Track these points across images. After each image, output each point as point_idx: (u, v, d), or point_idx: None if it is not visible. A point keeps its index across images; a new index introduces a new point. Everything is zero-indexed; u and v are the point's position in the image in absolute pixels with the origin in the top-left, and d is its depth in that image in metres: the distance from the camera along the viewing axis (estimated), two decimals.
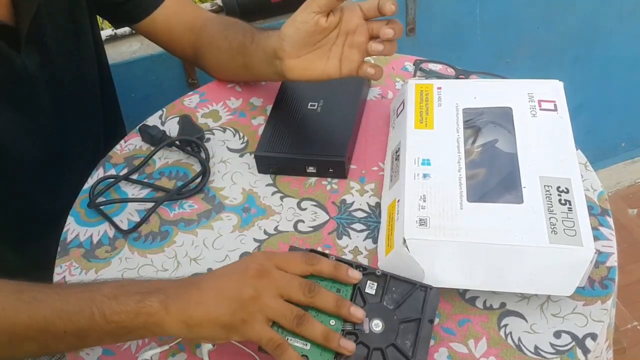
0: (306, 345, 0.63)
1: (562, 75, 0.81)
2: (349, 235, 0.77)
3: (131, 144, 0.92)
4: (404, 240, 0.67)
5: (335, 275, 0.64)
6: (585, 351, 0.65)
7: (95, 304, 0.60)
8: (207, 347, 0.68)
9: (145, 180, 0.86)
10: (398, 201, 0.72)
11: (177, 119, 0.94)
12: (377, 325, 0.64)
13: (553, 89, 0.79)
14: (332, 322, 0.64)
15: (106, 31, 1.21)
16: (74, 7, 0.88)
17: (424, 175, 0.72)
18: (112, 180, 0.85)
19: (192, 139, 0.87)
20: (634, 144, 1.85)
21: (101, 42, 0.99)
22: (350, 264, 0.67)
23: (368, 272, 0.67)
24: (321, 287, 0.63)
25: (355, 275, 0.65)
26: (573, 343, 0.66)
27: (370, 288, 0.66)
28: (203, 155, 0.87)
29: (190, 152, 0.88)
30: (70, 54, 0.89)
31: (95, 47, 0.95)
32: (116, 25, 1.04)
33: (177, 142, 0.88)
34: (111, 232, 0.81)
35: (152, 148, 0.88)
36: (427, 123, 0.77)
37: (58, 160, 0.91)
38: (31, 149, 0.87)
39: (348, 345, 0.61)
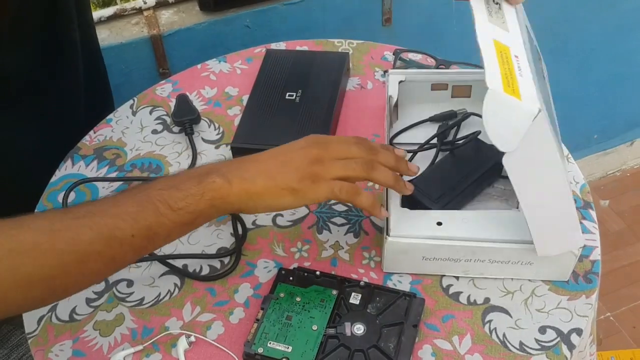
0: (288, 348, 0.63)
1: None
2: (329, 230, 0.75)
3: (101, 134, 0.88)
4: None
5: (397, 167, 0.67)
6: (571, 347, 0.64)
7: (156, 198, 0.58)
8: (183, 346, 0.65)
9: (115, 174, 0.83)
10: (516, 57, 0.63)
11: (150, 108, 0.91)
12: (358, 329, 0.64)
13: None
14: (314, 327, 0.65)
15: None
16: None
17: None
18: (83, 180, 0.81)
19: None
20: (606, 136, 1.86)
21: (93, 29, 0.95)
22: (344, 280, 0.68)
23: (352, 284, 0.68)
24: (379, 148, 0.67)
25: (414, 169, 0.69)
26: (558, 339, 0.65)
27: (355, 299, 0.67)
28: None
29: (187, 132, 0.86)
30: (50, 52, 0.84)
31: (82, 34, 0.90)
32: None
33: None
34: None
35: (123, 138, 0.85)
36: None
37: (41, 160, 0.87)
38: (13, 147, 0.82)
39: (413, 168, 0.69)
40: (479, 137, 0.76)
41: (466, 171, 0.74)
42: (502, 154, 0.57)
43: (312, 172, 0.62)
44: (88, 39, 0.92)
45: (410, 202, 0.69)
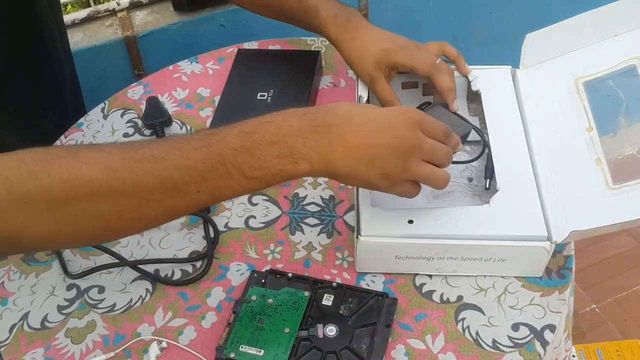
0: (260, 351, 0.63)
1: (515, 61, 0.80)
2: (302, 231, 0.75)
3: (72, 139, 0.87)
4: None
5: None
6: (544, 343, 0.64)
7: (229, 160, 0.55)
8: (154, 352, 0.65)
9: None
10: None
11: (121, 111, 0.90)
12: (331, 331, 0.64)
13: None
14: (287, 329, 0.64)
15: None
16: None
17: None
18: None
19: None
20: None
21: (64, 32, 0.94)
22: (317, 281, 0.68)
23: (325, 285, 0.68)
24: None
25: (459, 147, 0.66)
26: (531, 335, 0.65)
27: (327, 300, 0.67)
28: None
29: (159, 135, 0.85)
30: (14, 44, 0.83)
31: (51, 38, 0.89)
32: None
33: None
34: None
35: (94, 143, 0.84)
36: None
37: None
38: None
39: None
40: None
41: None
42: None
43: (393, 175, 0.59)
44: (62, 40, 0.92)
45: None
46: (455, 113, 0.75)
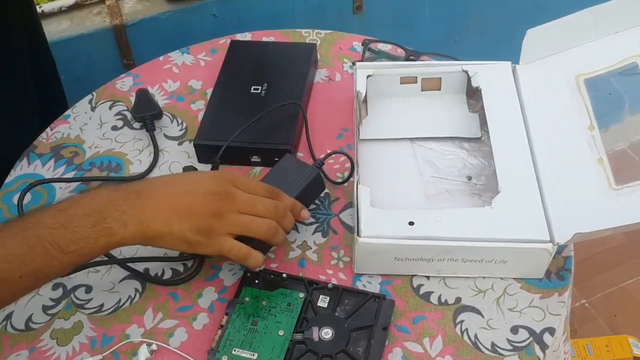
0: (253, 355, 0.61)
1: (510, 55, 0.79)
2: (297, 229, 0.73)
3: (58, 131, 0.84)
4: None
5: (292, 211, 0.67)
6: (543, 347, 0.63)
7: (46, 239, 0.56)
8: (144, 355, 0.63)
9: (74, 173, 0.79)
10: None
11: (110, 103, 0.87)
12: (326, 334, 0.62)
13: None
14: (281, 332, 0.63)
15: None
16: None
17: None
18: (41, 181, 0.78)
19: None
20: None
21: (35, 15, 0.91)
22: (312, 282, 0.66)
23: (320, 287, 0.66)
24: (287, 210, 0.66)
25: (306, 215, 0.69)
26: (531, 339, 0.63)
27: (323, 301, 0.65)
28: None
29: (148, 129, 0.82)
30: None
31: (25, 21, 0.86)
32: None
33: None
34: None
35: (81, 135, 0.82)
36: None
37: None
38: None
39: (305, 214, 0.69)
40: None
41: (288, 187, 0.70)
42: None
43: (209, 226, 0.61)
44: (32, 31, 0.89)
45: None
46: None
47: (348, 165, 0.77)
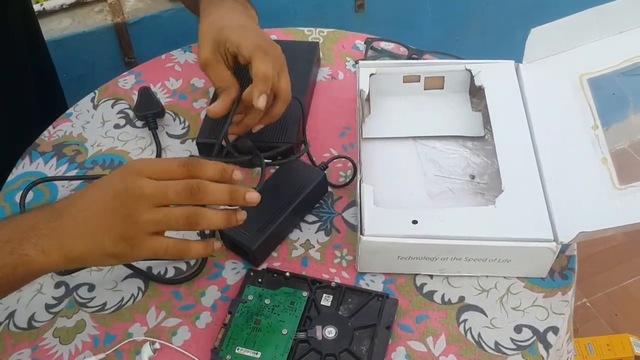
0: (257, 353, 0.60)
1: (511, 55, 0.79)
2: (299, 228, 0.73)
3: (60, 130, 0.84)
4: None
5: (221, 179, 0.57)
6: (547, 346, 0.63)
7: None
8: (147, 353, 0.63)
9: (76, 172, 0.79)
10: None
11: (112, 102, 0.87)
12: (330, 333, 0.62)
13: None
14: (284, 331, 0.62)
15: (34, 6, 1.12)
16: None
17: None
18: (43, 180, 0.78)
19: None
20: None
21: (33, 14, 0.91)
22: (315, 281, 0.66)
23: (323, 285, 0.66)
24: (205, 183, 0.56)
25: (238, 176, 0.58)
26: (534, 338, 0.63)
27: (326, 300, 0.65)
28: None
29: (151, 127, 0.82)
30: None
31: (24, 20, 0.86)
32: None
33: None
34: None
35: (84, 134, 0.82)
36: None
37: None
38: None
39: (254, 197, 0.58)
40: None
41: (285, 199, 0.70)
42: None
43: (125, 233, 0.55)
44: (31, 30, 0.89)
45: (230, 243, 0.67)
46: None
47: (351, 164, 0.77)
